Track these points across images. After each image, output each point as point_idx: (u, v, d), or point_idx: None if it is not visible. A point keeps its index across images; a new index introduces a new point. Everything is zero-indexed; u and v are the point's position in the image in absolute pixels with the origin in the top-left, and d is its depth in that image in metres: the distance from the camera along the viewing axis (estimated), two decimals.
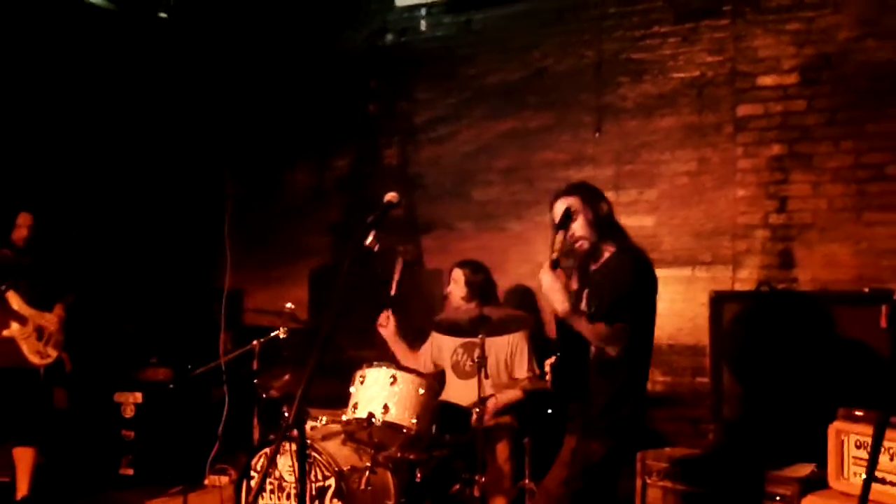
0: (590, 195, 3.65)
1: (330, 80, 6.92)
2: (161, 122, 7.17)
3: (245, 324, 7.00)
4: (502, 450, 5.07)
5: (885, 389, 3.99)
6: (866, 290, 4.43)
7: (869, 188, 5.11)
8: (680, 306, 5.54)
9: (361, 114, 6.83)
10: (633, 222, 5.66)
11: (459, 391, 5.03)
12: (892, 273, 4.95)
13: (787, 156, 5.34)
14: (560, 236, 3.47)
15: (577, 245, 3.58)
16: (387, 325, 5.28)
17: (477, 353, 4.58)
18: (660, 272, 5.52)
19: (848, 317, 4.38)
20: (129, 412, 6.53)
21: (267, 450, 4.66)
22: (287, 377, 5.27)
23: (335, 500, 4.39)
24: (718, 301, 4.81)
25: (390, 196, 3.19)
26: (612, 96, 5.88)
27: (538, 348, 5.19)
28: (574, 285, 3.53)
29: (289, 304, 5.24)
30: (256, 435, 5.27)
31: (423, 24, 6.53)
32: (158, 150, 7.19)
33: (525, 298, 5.85)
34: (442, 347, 5.39)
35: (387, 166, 6.76)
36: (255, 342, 5.15)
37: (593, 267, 3.64)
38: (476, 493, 4.41)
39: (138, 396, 6.55)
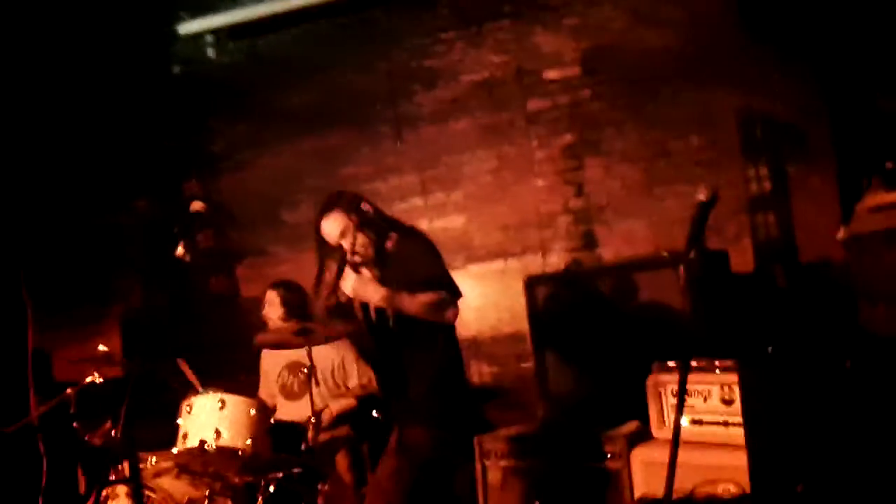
0: (347, 204, 3.62)
1: (119, 118, 6.69)
2: None
3: (56, 380, 6.62)
4: (342, 461, 5.05)
5: (688, 340, 4.30)
6: (665, 254, 4.73)
7: (655, 165, 5.47)
8: (497, 298, 5.72)
9: (156, 151, 6.65)
10: (444, 223, 5.87)
11: (291, 413, 4.96)
12: (685, 240, 5.28)
13: (578, 143, 5.64)
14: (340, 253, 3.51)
15: (362, 252, 3.55)
16: None
17: (303, 370, 4.59)
18: (474, 268, 5.84)
19: (651, 281, 4.63)
20: None
21: (90, 500, 4.43)
22: (108, 425, 5.05)
23: None
24: (531, 285, 4.97)
25: (196, 205, 3.14)
26: (409, 105, 6.02)
27: (366, 357, 5.22)
28: (369, 275, 3.50)
29: (101, 347, 5.01)
30: (82, 487, 5.00)
31: (210, 52, 6.45)
32: None
33: (345, 314, 5.85)
34: (268, 372, 5.32)
35: (189, 199, 6.60)
36: (68, 390, 4.89)
37: (386, 262, 3.60)
38: (320, 502, 4.35)
39: None
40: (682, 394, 2.90)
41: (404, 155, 6.00)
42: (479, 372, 5.78)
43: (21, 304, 6.01)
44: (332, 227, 3.57)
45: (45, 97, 6.58)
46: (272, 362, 5.26)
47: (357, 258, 3.46)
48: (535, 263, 5.65)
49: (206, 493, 4.28)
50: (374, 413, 4.52)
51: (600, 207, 5.57)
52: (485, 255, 5.75)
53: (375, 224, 3.59)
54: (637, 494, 3.90)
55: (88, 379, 4.86)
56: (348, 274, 3.41)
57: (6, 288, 6.41)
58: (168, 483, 4.41)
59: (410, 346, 3.50)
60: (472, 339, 5.65)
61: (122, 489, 4.38)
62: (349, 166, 6.12)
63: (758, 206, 5.05)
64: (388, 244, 3.59)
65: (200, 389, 4.64)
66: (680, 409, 2.85)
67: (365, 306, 3.57)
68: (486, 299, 5.66)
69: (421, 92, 5.99)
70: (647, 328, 4.55)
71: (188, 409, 4.38)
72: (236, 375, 5.49)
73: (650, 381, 3.98)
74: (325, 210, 3.63)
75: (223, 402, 4.32)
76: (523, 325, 5.45)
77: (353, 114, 6.18)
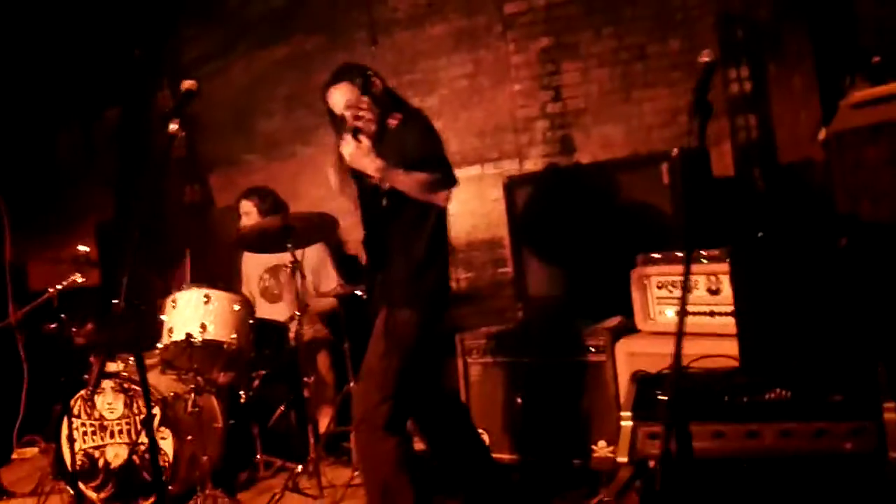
0: (356, 76, 3.58)
1: (89, 28, 6.54)
2: None
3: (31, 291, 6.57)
4: (323, 361, 5.11)
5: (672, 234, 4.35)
6: (646, 153, 4.76)
7: (632, 69, 5.45)
8: (474, 204, 5.73)
9: (127, 60, 6.52)
10: None
11: (272, 315, 4.96)
12: (663, 144, 5.31)
13: (555, 47, 5.59)
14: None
15: (364, 125, 3.47)
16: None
17: (287, 267, 4.59)
18: None
19: (632, 181, 4.66)
20: None
21: (83, 392, 4.42)
22: (90, 326, 5.03)
23: (162, 429, 4.25)
24: (511, 186, 4.97)
25: (188, 84, 3.07)
26: (384, 9, 5.94)
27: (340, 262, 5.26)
28: (367, 143, 3.40)
29: (81, 247, 4.95)
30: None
31: None
32: None
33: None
34: (249, 275, 5.31)
35: (160, 110, 6.50)
36: (51, 289, 4.84)
37: (385, 138, 3.55)
38: (306, 394, 4.38)
39: None
40: (687, 270, 2.87)
41: (379, 60, 5.90)
42: (455, 278, 5.80)
43: None
44: (339, 97, 3.55)
45: (10, 6, 6.42)
46: (253, 265, 5.25)
47: (359, 125, 3.41)
48: (511, 169, 5.63)
49: (191, 388, 4.29)
50: (359, 292, 4.50)
51: (577, 112, 5.56)
52: (461, 161, 5.68)
53: (381, 99, 3.55)
54: (622, 388, 3.95)
55: (71, 278, 4.83)
56: (348, 140, 3.36)
57: None
58: (153, 378, 4.41)
59: (400, 225, 3.48)
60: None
61: (107, 384, 4.39)
62: (324, 73, 5.92)
63: (738, 108, 5.06)
64: (391, 122, 3.56)
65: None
66: (685, 287, 2.85)
67: (358, 177, 3.54)
68: (463, 206, 5.65)
69: None
70: (628, 226, 4.57)
71: (173, 303, 4.38)
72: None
73: (634, 273, 4.00)
74: (333, 80, 3.61)
75: (208, 296, 4.33)
76: (500, 231, 5.50)
77: (327, 19, 6.10)
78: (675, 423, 2.12)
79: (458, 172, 5.47)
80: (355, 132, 3.36)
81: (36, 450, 5.55)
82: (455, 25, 5.79)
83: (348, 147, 3.36)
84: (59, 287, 4.81)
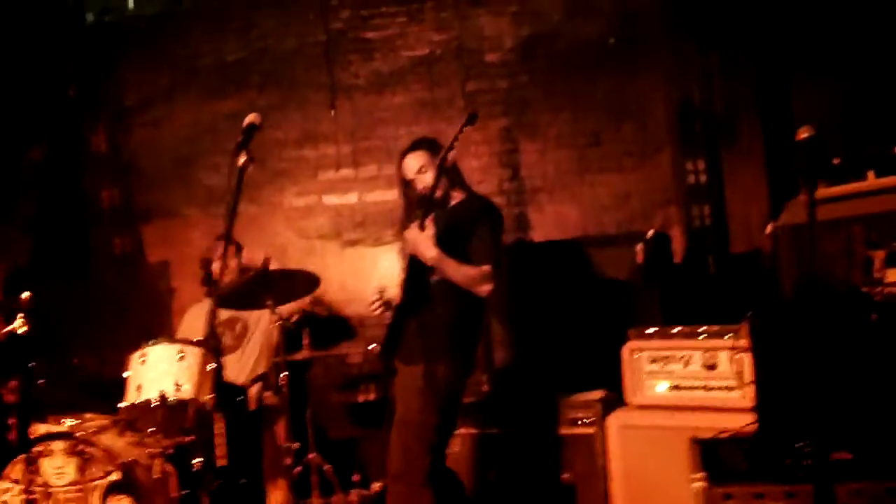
0: (434, 147, 3.81)
1: (21, 64, 6.18)
2: None
3: None
4: (280, 429, 4.87)
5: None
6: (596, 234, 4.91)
7: (588, 153, 5.61)
8: None
9: (60, 99, 6.18)
10: (376, 197, 5.80)
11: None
12: (614, 226, 5.49)
13: (515, 126, 5.71)
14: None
15: (428, 194, 3.65)
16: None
17: (239, 326, 4.46)
18: None
19: (606, 258, 4.79)
20: None
21: (23, 455, 4.03)
22: (15, 383, 4.65)
23: (121, 497, 3.94)
24: None
25: (251, 117, 3.08)
26: (344, 74, 5.91)
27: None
28: (430, 232, 3.55)
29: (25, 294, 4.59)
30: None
31: (130, 2, 6.09)
32: None
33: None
34: (193, 329, 5.03)
35: (94, 154, 6.19)
36: None
37: (446, 213, 3.74)
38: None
39: None
40: None
41: (336, 123, 5.87)
42: None
43: None
44: (413, 162, 3.79)
45: None
46: (199, 316, 5.00)
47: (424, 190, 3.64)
48: None
49: (159, 451, 4.00)
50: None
51: (534, 190, 5.66)
52: None
53: (451, 172, 3.73)
54: (612, 461, 3.98)
55: (10, 327, 4.47)
56: (413, 225, 3.55)
57: None
58: (109, 440, 4.11)
59: (443, 286, 3.61)
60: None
61: (56, 445, 4.03)
62: (276, 130, 5.91)
63: (693, 197, 5.29)
64: (454, 199, 3.78)
65: None
66: None
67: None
68: None
69: (357, 62, 5.89)
70: (599, 304, 4.69)
71: (142, 358, 4.10)
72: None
73: (627, 347, 4.08)
74: (412, 147, 3.86)
75: (182, 352, 4.09)
76: None
77: (283, 76, 6.00)
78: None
79: None
80: (423, 218, 3.52)
81: None
82: (416, 96, 5.82)
83: (412, 232, 3.54)
84: None
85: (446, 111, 5.78)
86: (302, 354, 4.71)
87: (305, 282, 4.41)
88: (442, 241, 3.53)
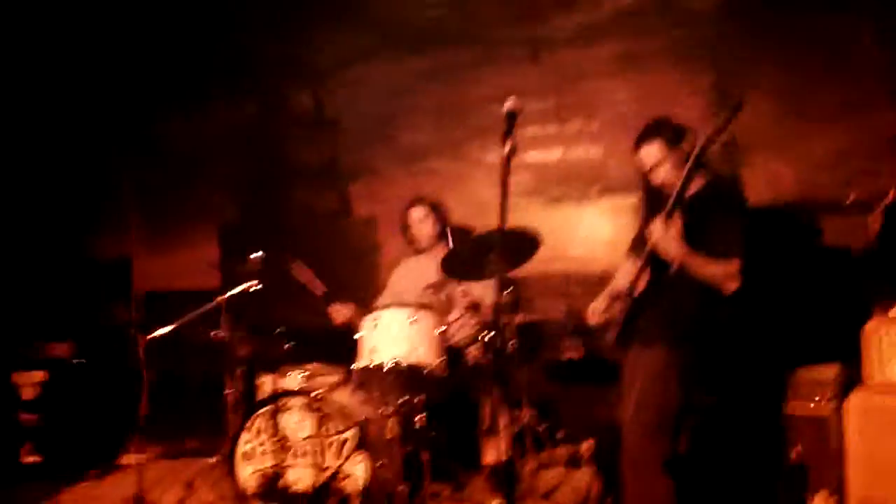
0: (671, 135, 3.60)
1: (226, 23, 6.39)
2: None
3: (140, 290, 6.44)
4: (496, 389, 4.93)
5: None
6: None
7: (803, 103, 5.32)
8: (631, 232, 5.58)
9: (263, 58, 6.35)
10: (580, 153, 5.75)
11: None
12: (833, 187, 5.20)
13: (724, 76, 5.43)
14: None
15: (667, 187, 3.54)
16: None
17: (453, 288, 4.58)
18: (610, 200, 5.68)
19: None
20: (29, 393, 5.75)
21: (266, 408, 4.22)
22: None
23: (355, 453, 4.06)
24: None
25: (510, 103, 2.97)
26: (546, 28, 5.79)
27: None
28: (676, 229, 3.43)
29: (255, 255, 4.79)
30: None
31: None
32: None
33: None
34: (404, 290, 5.09)
35: (296, 113, 6.35)
36: (218, 298, 4.70)
37: (687, 203, 3.53)
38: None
39: (40, 375, 5.77)
40: None
41: (537, 78, 5.79)
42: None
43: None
44: (648, 155, 3.61)
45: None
46: (412, 278, 5.07)
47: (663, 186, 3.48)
48: None
49: (392, 410, 4.12)
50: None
51: (744, 148, 5.44)
52: (620, 188, 5.58)
53: (690, 162, 3.43)
54: (850, 444, 3.80)
55: (246, 285, 4.72)
56: (657, 223, 3.41)
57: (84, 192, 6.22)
58: (343, 397, 4.26)
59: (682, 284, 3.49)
60: (603, 272, 5.51)
61: (295, 402, 4.19)
62: (477, 87, 5.88)
63: None
64: (694, 187, 3.51)
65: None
66: None
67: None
68: (620, 234, 5.50)
69: (560, 15, 5.75)
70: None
71: (374, 322, 4.22)
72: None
73: (870, 324, 3.83)
74: (645, 136, 3.64)
75: (415, 316, 4.17)
76: None
77: (481, 32, 5.93)
78: None
79: (617, 199, 5.59)
80: (669, 213, 3.37)
81: (143, 456, 5.26)
82: (620, 48, 5.64)
83: (657, 230, 3.40)
84: (230, 294, 4.71)
85: (651, 63, 5.60)
86: (519, 318, 4.71)
87: (528, 242, 4.32)
88: (685, 234, 3.41)
